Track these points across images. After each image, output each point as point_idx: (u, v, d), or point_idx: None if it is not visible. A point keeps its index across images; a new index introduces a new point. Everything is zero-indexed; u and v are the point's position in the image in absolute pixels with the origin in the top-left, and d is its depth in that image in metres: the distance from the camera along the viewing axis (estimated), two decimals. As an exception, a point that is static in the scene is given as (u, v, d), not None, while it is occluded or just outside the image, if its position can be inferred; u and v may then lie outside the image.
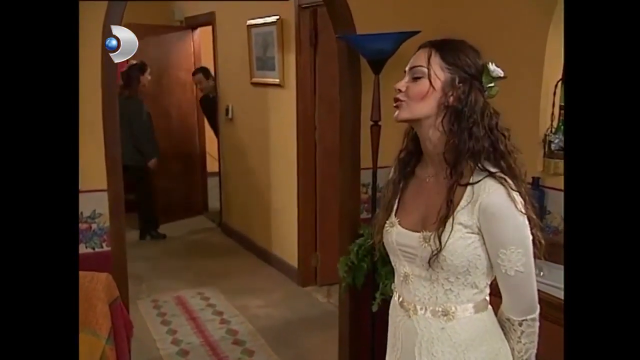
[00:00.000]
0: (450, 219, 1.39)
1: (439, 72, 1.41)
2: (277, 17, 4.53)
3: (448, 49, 1.43)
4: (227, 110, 5.71)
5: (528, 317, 1.45)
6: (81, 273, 2.12)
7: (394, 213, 1.54)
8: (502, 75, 1.43)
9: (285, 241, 4.80)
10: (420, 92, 1.41)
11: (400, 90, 1.44)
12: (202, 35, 6.40)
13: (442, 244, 1.38)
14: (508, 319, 1.47)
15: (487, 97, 1.44)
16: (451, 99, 1.41)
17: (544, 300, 2.03)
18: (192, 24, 6.33)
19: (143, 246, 5.57)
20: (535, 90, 2.52)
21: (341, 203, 3.15)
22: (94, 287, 2.14)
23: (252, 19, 4.88)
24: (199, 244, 5.78)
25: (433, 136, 1.44)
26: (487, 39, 2.64)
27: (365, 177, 3.04)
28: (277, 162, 4.91)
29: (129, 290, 4.41)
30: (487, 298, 1.50)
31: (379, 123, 2.78)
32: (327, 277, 4.40)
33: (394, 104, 1.45)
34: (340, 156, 3.05)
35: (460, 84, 1.41)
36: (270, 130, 4.95)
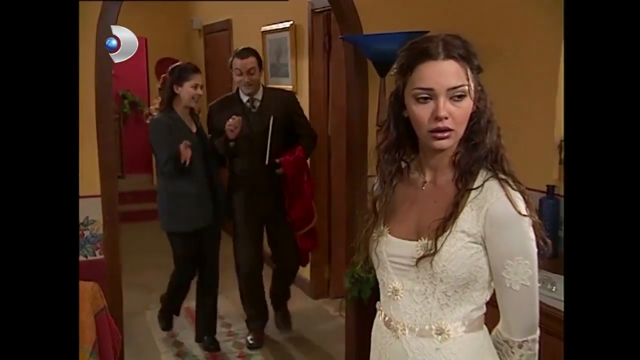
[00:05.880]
0: (452, 226, 1.26)
1: (471, 83, 1.26)
2: (291, 22, 4.45)
3: (468, 52, 1.27)
4: (242, 118, 5.61)
5: (529, 338, 1.31)
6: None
7: (382, 221, 1.39)
8: None
9: (298, 252, 4.66)
10: (466, 114, 1.26)
11: (445, 118, 1.23)
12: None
13: (439, 248, 1.25)
14: (506, 341, 1.32)
15: None
16: (476, 104, 1.28)
17: (558, 318, 1.87)
18: (210, 31, 6.30)
19: (155, 254, 5.46)
20: (550, 93, 2.36)
21: (348, 212, 3.02)
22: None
23: (267, 25, 4.81)
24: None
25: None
26: (500, 38, 2.52)
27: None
28: (290, 171, 4.78)
29: (139, 299, 4.41)
30: (483, 317, 1.35)
31: (386, 128, 2.64)
32: (339, 290, 4.24)
33: (442, 134, 1.24)
34: (347, 163, 2.92)
35: (480, 86, 1.29)
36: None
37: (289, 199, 3.49)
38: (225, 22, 5.77)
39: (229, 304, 4.34)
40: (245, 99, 3.50)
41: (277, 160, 3.41)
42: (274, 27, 4.70)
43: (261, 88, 3.55)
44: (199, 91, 3.37)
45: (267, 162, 3.37)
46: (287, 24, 4.49)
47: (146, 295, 4.56)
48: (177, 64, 3.46)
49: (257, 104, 3.51)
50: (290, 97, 3.76)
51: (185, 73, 3.33)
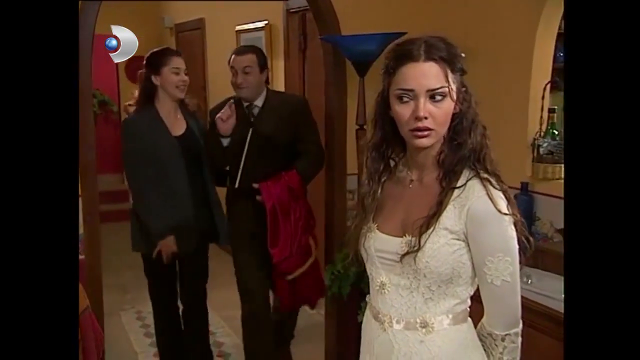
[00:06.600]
0: (436, 223, 1.30)
1: (452, 85, 1.31)
2: (266, 22, 4.47)
3: (450, 55, 1.31)
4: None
5: (511, 332, 1.36)
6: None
7: (370, 218, 1.44)
8: None
9: (274, 251, 4.67)
10: (447, 115, 1.31)
11: (425, 118, 1.27)
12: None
13: (422, 245, 1.29)
14: (490, 334, 1.37)
15: None
16: (459, 105, 1.33)
17: (533, 310, 1.94)
18: (182, 30, 6.27)
19: (129, 255, 5.40)
20: (523, 93, 2.44)
21: (327, 210, 3.06)
22: (62, 296, 2.03)
23: (241, 24, 4.81)
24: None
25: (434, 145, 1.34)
26: (474, 40, 2.59)
27: (352, 183, 2.96)
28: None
29: (113, 300, 4.37)
30: (468, 310, 1.40)
31: (365, 127, 2.69)
32: (316, 288, 4.27)
33: (422, 133, 1.28)
34: (326, 162, 2.95)
35: (464, 87, 1.33)
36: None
37: (272, 234, 2.74)
38: (198, 20, 5.75)
39: (207, 304, 4.32)
40: (245, 103, 2.82)
41: (255, 186, 2.72)
42: (249, 26, 4.71)
43: (264, 93, 2.84)
44: (183, 77, 2.70)
45: (236, 185, 2.76)
46: (261, 24, 4.50)
47: (121, 296, 4.53)
48: (152, 50, 2.83)
49: (257, 111, 2.82)
50: (298, 105, 2.94)
51: (162, 57, 2.70)
